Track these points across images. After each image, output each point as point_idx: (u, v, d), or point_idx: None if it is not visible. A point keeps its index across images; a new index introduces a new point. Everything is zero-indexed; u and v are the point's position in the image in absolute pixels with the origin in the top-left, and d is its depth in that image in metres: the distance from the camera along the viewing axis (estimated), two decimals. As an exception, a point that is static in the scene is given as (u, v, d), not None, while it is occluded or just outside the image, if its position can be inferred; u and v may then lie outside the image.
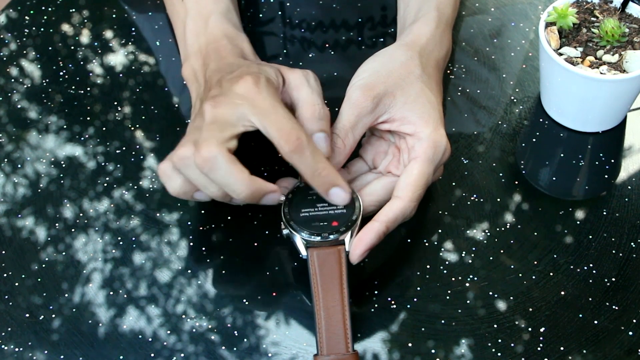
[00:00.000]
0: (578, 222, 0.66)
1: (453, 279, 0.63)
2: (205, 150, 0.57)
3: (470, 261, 0.64)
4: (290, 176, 0.65)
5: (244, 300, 0.63)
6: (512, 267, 0.64)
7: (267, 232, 0.66)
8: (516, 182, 0.68)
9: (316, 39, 0.79)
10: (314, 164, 0.59)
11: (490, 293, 0.62)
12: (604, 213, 0.66)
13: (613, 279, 0.63)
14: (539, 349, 0.59)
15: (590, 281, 0.63)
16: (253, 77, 0.60)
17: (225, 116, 0.59)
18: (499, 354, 0.59)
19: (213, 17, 0.69)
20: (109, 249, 0.66)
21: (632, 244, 0.64)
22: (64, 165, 0.71)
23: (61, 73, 0.78)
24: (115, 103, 0.75)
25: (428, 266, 0.64)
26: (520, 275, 0.63)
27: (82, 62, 0.78)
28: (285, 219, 0.61)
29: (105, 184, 0.70)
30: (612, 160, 0.69)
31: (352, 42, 0.78)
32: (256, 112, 0.58)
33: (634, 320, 0.60)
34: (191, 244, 0.66)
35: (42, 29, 0.82)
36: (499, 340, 0.60)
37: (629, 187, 0.68)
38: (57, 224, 0.67)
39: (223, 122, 0.59)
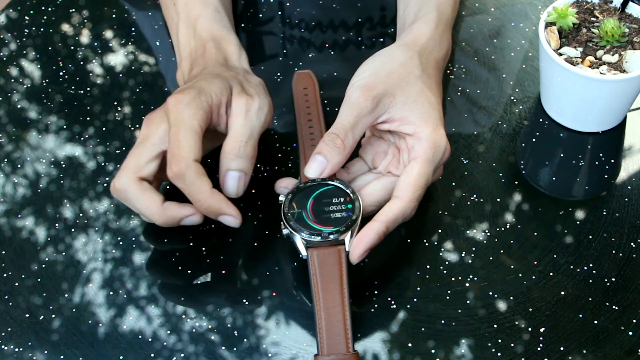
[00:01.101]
0: (578, 222, 0.66)
1: (453, 279, 0.63)
2: (116, 182, 0.61)
3: (470, 261, 0.64)
4: (290, 176, 0.65)
5: (244, 300, 0.63)
6: (512, 267, 0.64)
7: (267, 232, 0.66)
8: (516, 182, 0.68)
9: (315, 38, 0.79)
10: (194, 194, 0.60)
11: (490, 293, 0.62)
12: (604, 213, 0.66)
13: (613, 279, 0.63)
14: (539, 349, 0.59)
15: (590, 281, 0.63)
16: (179, 93, 0.61)
17: (150, 134, 0.61)
18: (499, 354, 0.59)
19: (200, 19, 0.70)
20: (109, 249, 0.66)
21: (632, 244, 0.64)
22: (64, 165, 0.71)
23: (61, 73, 0.78)
24: (115, 103, 0.75)
25: (428, 266, 0.64)
26: (520, 275, 0.63)
27: (82, 62, 0.78)
28: (285, 219, 0.61)
29: (105, 184, 0.70)
30: (612, 160, 0.69)
31: (352, 42, 0.78)
32: (167, 128, 0.60)
33: (634, 320, 0.60)
34: (191, 244, 0.66)
35: (42, 29, 0.82)
36: (499, 340, 0.60)
37: (629, 187, 0.68)
38: (57, 224, 0.67)
39: (145, 143, 0.61)
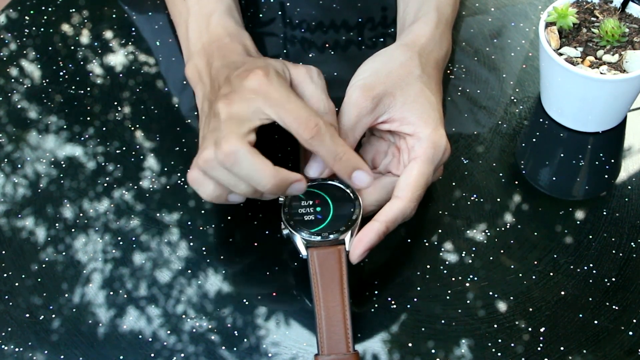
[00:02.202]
0: (578, 222, 0.66)
1: (453, 279, 0.63)
2: (225, 146, 0.57)
3: (470, 261, 0.64)
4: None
5: (244, 301, 0.63)
6: (512, 267, 0.63)
7: (267, 232, 0.66)
8: (516, 182, 0.68)
9: (316, 39, 0.79)
10: (334, 149, 0.59)
11: (490, 293, 0.62)
12: (604, 213, 0.66)
13: (613, 279, 0.63)
14: (539, 349, 0.59)
15: (590, 281, 0.63)
16: (263, 70, 0.60)
17: (240, 112, 0.59)
18: (499, 354, 0.59)
19: (215, 15, 0.69)
20: (109, 249, 0.66)
21: (632, 244, 0.64)
22: (64, 166, 0.71)
23: (61, 73, 0.78)
24: (115, 103, 0.75)
25: (428, 266, 0.64)
26: (520, 275, 0.63)
27: (82, 62, 0.78)
28: (285, 219, 0.61)
29: (105, 184, 0.70)
30: (612, 160, 0.69)
31: (352, 43, 0.78)
32: (271, 104, 0.58)
33: (634, 320, 0.60)
34: (191, 244, 0.66)
35: (42, 29, 0.82)
36: (499, 340, 0.60)
37: (629, 187, 0.68)
38: (57, 224, 0.67)
39: (239, 118, 0.58)
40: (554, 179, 0.69)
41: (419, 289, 0.63)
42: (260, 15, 0.81)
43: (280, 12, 0.81)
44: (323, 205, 0.62)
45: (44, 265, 0.65)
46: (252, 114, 0.59)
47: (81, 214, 0.68)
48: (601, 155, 0.70)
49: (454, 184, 0.68)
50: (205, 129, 0.61)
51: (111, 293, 0.63)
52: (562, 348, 0.59)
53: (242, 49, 0.67)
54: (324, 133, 0.58)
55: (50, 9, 0.83)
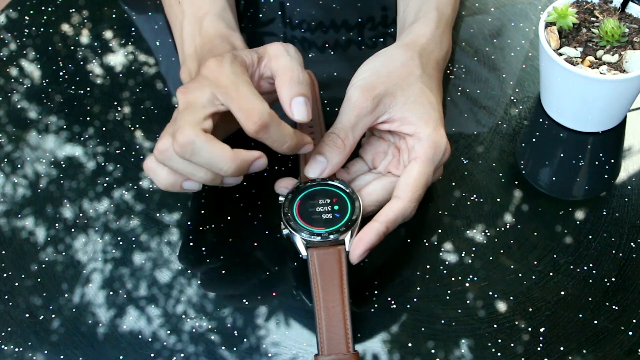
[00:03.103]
0: (578, 222, 0.66)
1: (453, 279, 0.63)
2: (181, 137, 0.57)
3: (470, 261, 0.64)
4: (290, 176, 0.65)
5: (244, 301, 0.63)
6: (512, 267, 0.64)
7: (267, 232, 0.66)
8: (516, 182, 0.68)
9: (316, 39, 0.79)
10: (281, 138, 0.58)
11: (490, 293, 0.62)
12: (604, 213, 0.66)
13: (613, 279, 0.63)
14: (539, 349, 0.59)
15: (590, 281, 0.63)
16: (216, 58, 0.59)
17: (195, 99, 0.59)
18: (499, 354, 0.59)
19: (208, 17, 0.69)
20: (109, 249, 0.66)
21: (632, 244, 0.64)
22: (63, 166, 0.71)
23: (61, 73, 0.78)
24: (115, 103, 0.75)
25: (428, 266, 0.64)
26: (520, 275, 0.63)
27: (82, 62, 0.78)
28: (285, 219, 0.61)
29: (105, 184, 0.70)
30: (612, 160, 0.69)
31: (352, 43, 0.78)
32: (220, 91, 0.58)
33: (634, 320, 0.60)
34: (191, 244, 0.66)
35: (42, 29, 0.82)
36: (499, 341, 0.60)
37: (629, 187, 0.68)
38: (57, 224, 0.67)
39: (194, 106, 0.58)
40: (554, 179, 0.69)
41: (419, 289, 0.63)
42: (260, 15, 0.81)
43: (280, 12, 0.81)
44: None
45: (44, 265, 0.65)
46: (207, 101, 0.58)
47: (81, 214, 0.68)
48: (601, 155, 0.70)
49: (454, 184, 0.68)
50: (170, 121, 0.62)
51: (111, 293, 0.63)
52: (562, 348, 0.59)
53: (230, 50, 0.67)
54: (269, 124, 0.57)
55: (50, 9, 0.83)
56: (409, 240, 0.65)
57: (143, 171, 0.70)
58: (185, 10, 0.71)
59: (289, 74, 0.60)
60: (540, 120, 0.72)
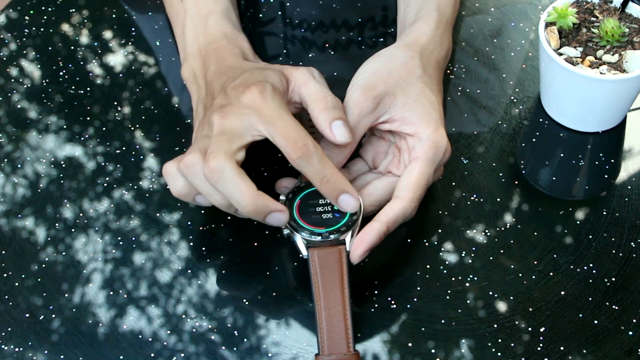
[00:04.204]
0: (578, 222, 0.66)
1: (453, 279, 0.63)
2: (213, 162, 0.57)
3: (470, 261, 0.64)
4: (290, 176, 0.65)
5: (245, 301, 0.63)
6: (512, 267, 0.64)
7: (267, 232, 0.66)
8: (516, 182, 0.68)
9: (316, 39, 0.79)
10: (322, 170, 0.59)
11: (490, 293, 0.62)
12: (604, 213, 0.66)
13: (613, 279, 0.63)
14: (539, 349, 0.59)
15: (590, 281, 0.63)
16: (258, 86, 0.60)
17: (234, 127, 0.59)
18: (499, 354, 0.59)
19: (212, 17, 0.69)
20: (109, 249, 0.66)
21: (632, 244, 0.64)
22: (64, 166, 0.71)
23: (61, 73, 0.78)
24: (115, 103, 0.75)
25: (428, 266, 0.64)
26: (520, 275, 0.63)
27: (82, 62, 0.78)
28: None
29: (105, 184, 0.70)
30: (612, 160, 0.70)
31: (353, 42, 0.78)
32: (263, 121, 0.58)
33: (634, 320, 0.60)
34: (191, 244, 0.66)
35: (42, 29, 0.82)
36: (499, 340, 0.60)
37: (629, 187, 0.68)
38: (57, 224, 0.67)
39: (231, 134, 0.59)
40: (554, 179, 0.69)
41: (419, 289, 0.63)
42: (260, 15, 0.81)
43: (280, 12, 0.81)
44: None
45: (44, 265, 0.65)
46: (245, 130, 0.59)
47: (81, 214, 0.68)
48: (601, 155, 0.70)
49: (454, 184, 0.68)
50: (198, 132, 0.62)
51: (111, 293, 0.63)
52: (562, 348, 0.59)
53: (239, 52, 0.67)
54: (312, 154, 0.58)
55: (50, 9, 0.83)
56: (409, 240, 0.65)
57: (143, 171, 0.70)
58: (188, 9, 0.71)
59: (322, 100, 0.61)
60: (540, 120, 0.72)
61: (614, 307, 0.61)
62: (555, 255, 0.64)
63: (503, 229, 0.66)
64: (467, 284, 0.63)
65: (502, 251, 0.64)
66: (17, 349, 0.61)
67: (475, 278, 0.63)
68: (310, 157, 0.58)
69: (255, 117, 0.58)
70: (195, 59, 0.67)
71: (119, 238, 0.66)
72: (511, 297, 0.62)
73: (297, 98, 0.62)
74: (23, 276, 0.65)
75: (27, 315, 0.63)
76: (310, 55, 0.78)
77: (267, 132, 0.58)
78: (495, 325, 0.61)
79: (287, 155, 0.58)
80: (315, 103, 0.61)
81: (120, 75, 0.77)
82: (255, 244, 0.65)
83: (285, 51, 0.78)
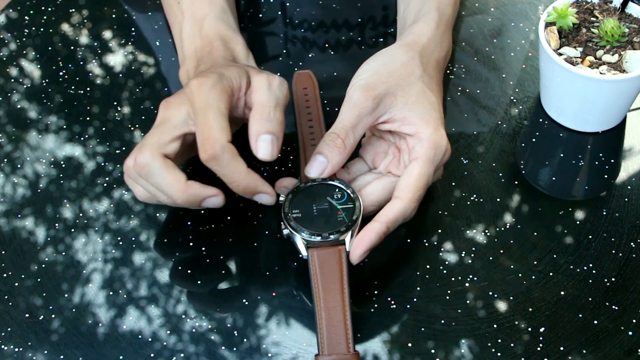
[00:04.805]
0: (578, 222, 0.66)
1: (453, 279, 0.63)
2: (139, 157, 0.59)
3: (470, 261, 0.64)
4: (290, 176, 0.65)
5: (244, 301, 0.63)
6: (512, 267, 0.64)
7: (267, 232, 0.66)
8: (516, 182, 0.68)
9: (317, 39, 0.79)
10: (230, 175, 0.59)
11: (490, 293, 0.62)
12: (604, 213, 0.66)
13: (613, 279, 0.63)
14: (539, 349, 0.59)
15: (590, 281, 0.63)
16: (201, 78, 0.60)
17: (170, 117, 0.60)
18: (499, 354, 0.59)
19: (207, 19, 0.69)
20: (109, 249, 0.66)
21: (632, 244, 0.64)
22: (63, 166, 0.71)
23: (61, 73, 0.78)
24: (115, 103, 0.75)
25: (428, 266, 0.64)
26: (520, 275, 0.63)
27: (82, 62, 0.78)
28: (285, 219, 0.61)
29: (105, 184, 0.70)
30: (612, 160, 0.69)
31: (353, 42, 0.78)
32: (193, 112, 0.59)
33: (634, 320, 0.60)
34: (191, 244, 0.66)
35: (42, 29, 0.82)
36: (499, 340, 0.60)
37: (629, 187, 0.68)
38: (57, 224, 0.67)
39: (167, 124, 0.60)
40: (553, 179, 0.69)
41: (419, 289, 0.63)
42: (261, 15, 0.81)
43: (280, 12, 0.81)
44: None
45: (44, 265, 0.65)
46: (181, 121, 0.60)
47: (81, 214, 0.68)
48: (601, 155, 0.70)
49: (454, 184, 0.68)
50: None
51: (111, 293, 0.63)
52: (562, 348, 0.59)
53: (230, 55, 0.67)
54: (219, 157, 0.57)
55: (50, 9, 0.83)
56: (409, 240, 0.65)
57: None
58: (185, 11, 0.71)
59: (260, 110, 0.60)
60: (540, 120, 0.72)
61: (613, 307, 0.61)
62: (555, 256, 0.64)
63: (503, 229, 0.66)
64: (467, 284, 0.63)
65: (502, 251, 0.64)
66: (17, 349, 0.61)
67: (475, 278, 0.63)
68: (218, 160, 0.58)
69: (190, 107, 0.59)
70: (191, 62, 0.68)
71: (119, 238, 0.66)
72: (511, 297, 0.62)
73: (249, 101, 0.62)
74: (23, 276, 0.65)
75: (27, 315, 0.63)
76: (310, 55, 0.78)
77: (195, 124, 0.59)
78: (495, 326, 0.61)
79: (199, 154, 0.58)
80: (255, 111, 0.60)
81: (120, 75, 0.77)
82: (255, 244, 0.65)
83: (285, 51, 0.78)
